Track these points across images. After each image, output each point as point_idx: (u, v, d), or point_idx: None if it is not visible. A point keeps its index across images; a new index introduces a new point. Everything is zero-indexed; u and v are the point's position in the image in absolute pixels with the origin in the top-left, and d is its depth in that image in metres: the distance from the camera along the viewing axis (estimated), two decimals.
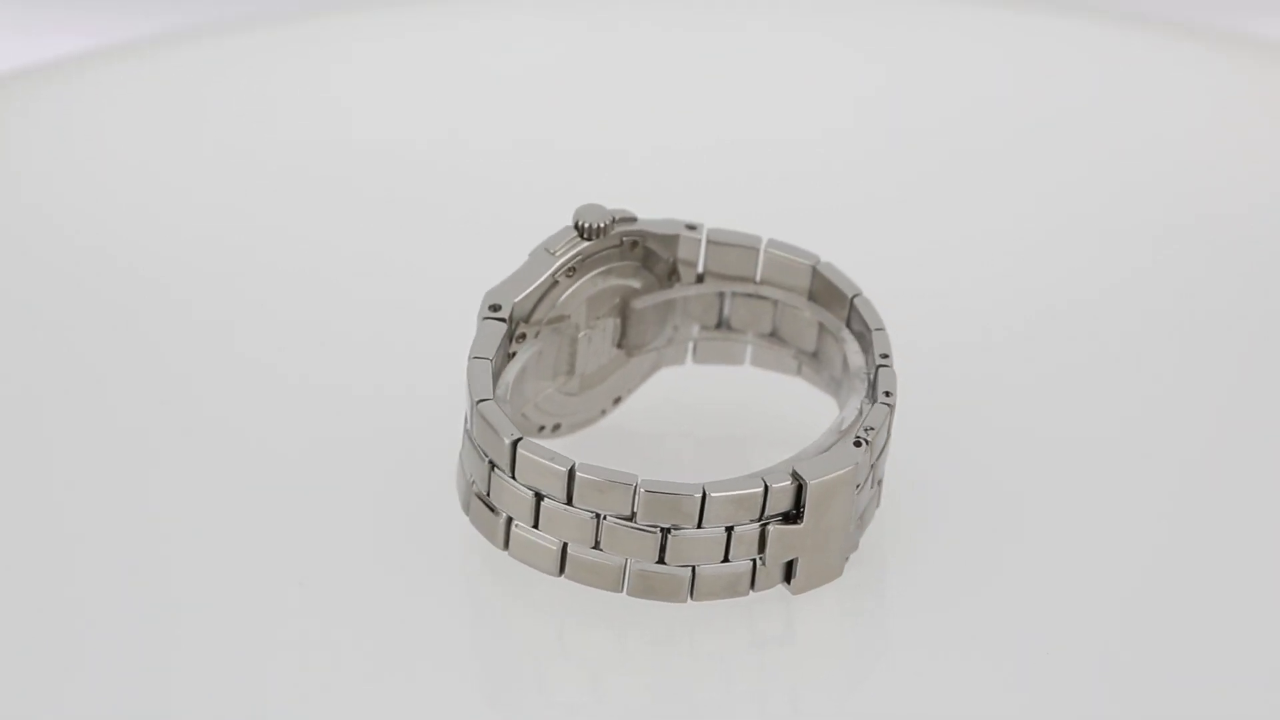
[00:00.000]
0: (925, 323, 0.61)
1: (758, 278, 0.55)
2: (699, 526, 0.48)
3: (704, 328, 0.55)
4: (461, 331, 0.52)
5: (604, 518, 0.48)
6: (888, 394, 0.51)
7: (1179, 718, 0.50)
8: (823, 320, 0.54)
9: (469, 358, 0.50)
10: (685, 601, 0.49)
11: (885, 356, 0.52)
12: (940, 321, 0.61)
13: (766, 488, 0.48)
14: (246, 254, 0.63)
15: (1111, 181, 0.69)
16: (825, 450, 0.50)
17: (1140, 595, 0.53)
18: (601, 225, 0.52)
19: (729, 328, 0.55)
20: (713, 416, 0.57)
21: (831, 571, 0.50)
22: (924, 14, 0.76)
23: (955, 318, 0.62)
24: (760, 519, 0.49)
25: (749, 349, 0.56)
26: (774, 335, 0.55)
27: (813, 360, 0.55)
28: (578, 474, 0.48)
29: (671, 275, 0.54)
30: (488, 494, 0.49)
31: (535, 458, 0.48)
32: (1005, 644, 0.51)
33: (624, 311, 0.54)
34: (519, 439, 0.48)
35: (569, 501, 0.48)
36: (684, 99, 0.71)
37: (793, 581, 0.50)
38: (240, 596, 0.51)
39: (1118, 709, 0.50)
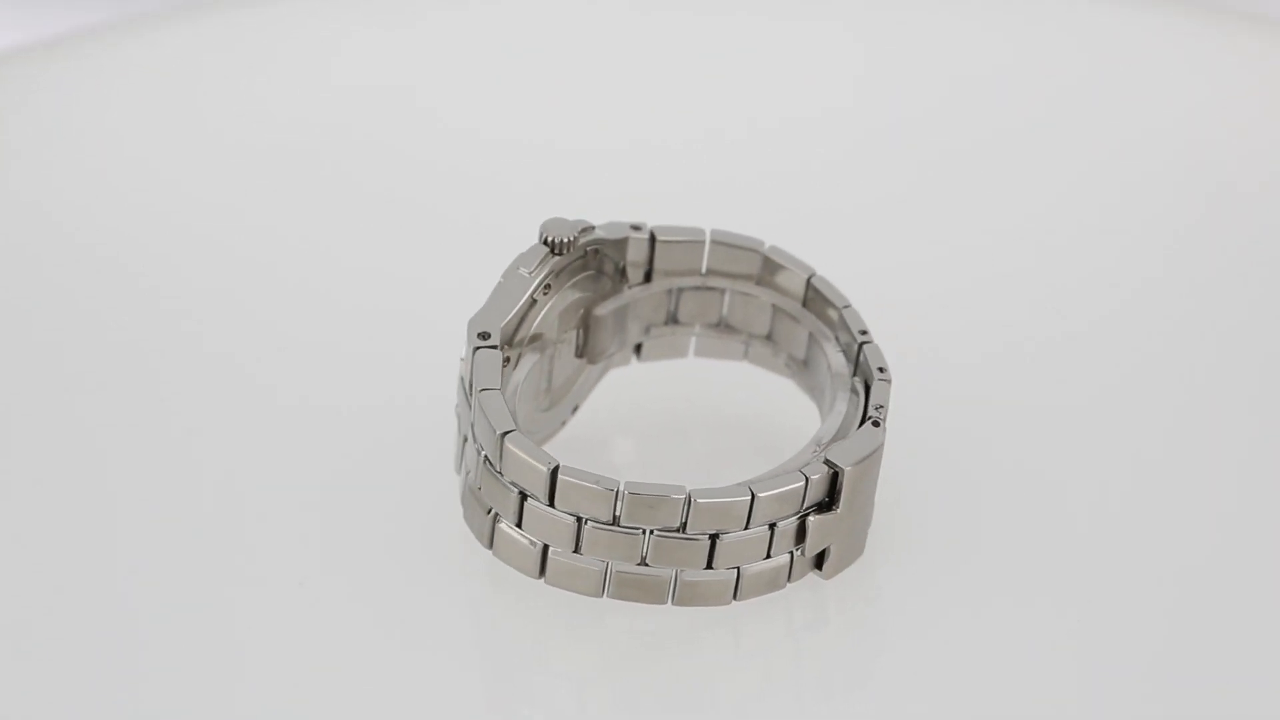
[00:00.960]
0: (929, 324, 0.61)
1: (704, 269, 0.55)
2: (746, 528, 0.48)
3: (653, 325, 0.55)
4: (436, 331, 0.51)
5: (650, 532, 0.48)
6: (882, 370, 0.52)
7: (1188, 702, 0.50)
8: (776, 303, 0.54)
9: (476, 391, 0.49)
10: (729, 604, 0.50)
11: (864, 333, 0.53)
12: (943, 322, 0.62)
13: (807, 480, 0.49)
14: (237, 255, 0.63)
15: (1116, 174, 0.69)
16: (844, 439, 0.50)
17: (1144, 582, 0.53)
18: (570, 239, 0.52)
19: (676, 322, 0.55)
20: (655, 413, 0.57)
21: (856, 551, 0.51)
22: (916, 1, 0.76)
23: (958, 318, 0.62)
24: (799, 511, 0.49)
25: (694, 340, 0.56)
26: (721, 324, 0.55)
27: (766, 342, 0.55)
28: (626, 493, 0.48)
29: (620, 277, 0.54)
30: (519, 524, 0.49)
31: (579, 482, 0.48)
32: (1028, 607, 0.52)
33: (586, 321, 0.54)
34: (557, 466, 0.48)
35: (615, 522, 0.48)
36: (674, 96, 0.71)
37: (825, 566, 0.51)
38: (240, 598, 0.51)
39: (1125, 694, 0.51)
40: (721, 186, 0.67)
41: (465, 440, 0.51)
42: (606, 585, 0.49)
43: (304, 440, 0.56)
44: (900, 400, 0.52)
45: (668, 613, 0.50)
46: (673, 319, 0.55)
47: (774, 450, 0.54)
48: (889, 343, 0.54)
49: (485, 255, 0.55)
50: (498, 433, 0.48)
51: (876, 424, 0.50)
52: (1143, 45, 0.74)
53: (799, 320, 0.54)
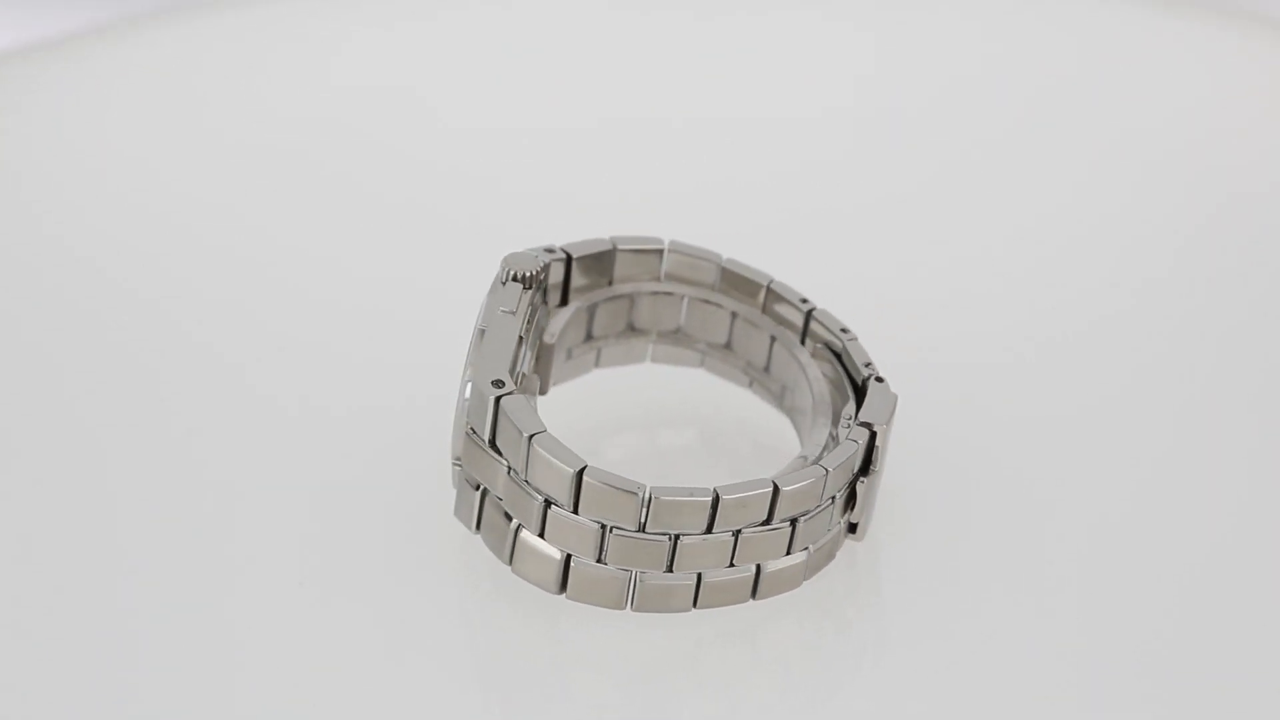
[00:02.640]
0: (930, 325, 0.61)
1: (613, 279, 0.54)
2: (818, 505, 0.49)
3: (574, 346, 0.55)
4: (436, 332, 0.51)
5: (738, 533, 0.48)
6: (845, 330, 0.52)
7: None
8: (691, 295, 0.54)
9: (526, 437, 0.48)
10: (800, 585, 0.50)
11: (805, 300, 0.53)
12: (944, 323, 0.62)
13: (858, 446, 0.49)
14: (236, 255, 0.63)
15: (1117, 175, 0.69)
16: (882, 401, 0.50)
17: (1147, 581, 0.53)
18: (537, 271, 0.51)
19: (591, 337, 0.55)
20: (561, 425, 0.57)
21: (873, 510, 0.51)
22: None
23: (959, 319, 0.62)
24: (850, 479, 0.50)
25: (599, 352, 0.55)
26: (630, 328, 0.55)
27: (673, 335, 0.55)
28: (723, 497, 0.47)
29: (545, 299, 0.53)
30: (601, 559, 0.48)
31: (674, 499, 0.47)
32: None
33: (539, 352, 0.53)
34: (649, 489, 0.47)
35: (709, 530, 0.48)
36: (674, 96, 0.71)
37: (857, 530, 0.51)
38: (240, 599, 0.51)
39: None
40: (721, 186, 0.67)
41: (481, 490, 0.49)
42: (698, 597, 0.48)
43: (304, 440, 0.55)
44: (901, 401, 0.52)
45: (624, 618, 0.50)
46: (589, 335, 0.55)
47: (687, 444, 0.55)
48: (888, 343, 0.54)
49: (485, 255, 0.54)
50: (572, 471, 0.47)
51: (880, 379, 0.51)
52: (1143, 46, 0.74)
53: (719, 305, 0.54)
